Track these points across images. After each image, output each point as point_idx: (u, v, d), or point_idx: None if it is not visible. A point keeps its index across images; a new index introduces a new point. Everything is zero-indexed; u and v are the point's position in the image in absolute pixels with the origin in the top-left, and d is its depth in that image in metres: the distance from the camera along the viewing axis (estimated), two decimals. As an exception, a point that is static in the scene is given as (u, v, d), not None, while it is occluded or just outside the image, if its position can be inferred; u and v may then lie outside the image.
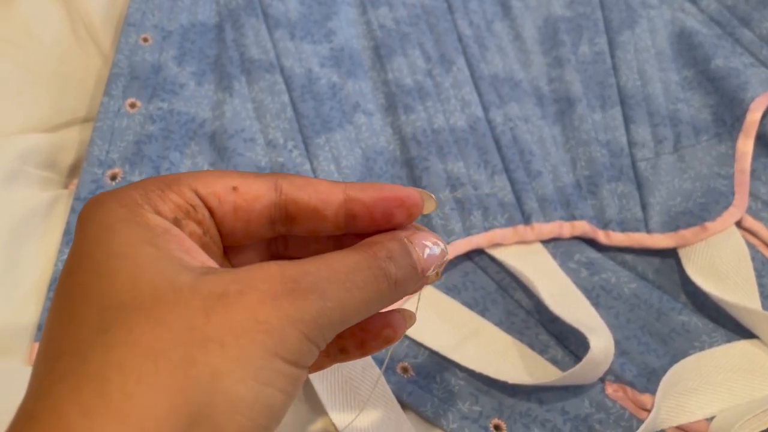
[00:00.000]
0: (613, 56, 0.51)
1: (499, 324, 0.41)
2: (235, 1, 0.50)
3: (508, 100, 0.48)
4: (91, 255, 0.20)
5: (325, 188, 0.24)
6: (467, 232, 0.43)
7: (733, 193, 0.44)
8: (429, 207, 0.25)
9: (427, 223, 0.43)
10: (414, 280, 0.24)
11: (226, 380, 0.18)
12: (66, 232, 0.40)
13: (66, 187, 0.44)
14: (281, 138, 0.45)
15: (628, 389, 0.38)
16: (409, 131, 0.46)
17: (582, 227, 0.44)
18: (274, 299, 0.20)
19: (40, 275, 0.38)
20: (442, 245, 0.25)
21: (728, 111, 0.48)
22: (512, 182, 0.45)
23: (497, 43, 0.51)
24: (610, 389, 0.38)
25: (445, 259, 0.25)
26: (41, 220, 0.40)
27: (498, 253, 0.42)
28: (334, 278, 0.21)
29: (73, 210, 0.40)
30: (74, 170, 0.45)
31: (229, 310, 0.19)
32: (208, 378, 0.18)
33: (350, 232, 0.25)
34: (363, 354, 0.26)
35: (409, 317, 0.27)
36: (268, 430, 0.20)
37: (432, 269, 0.25)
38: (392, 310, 0.26)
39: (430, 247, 0.24)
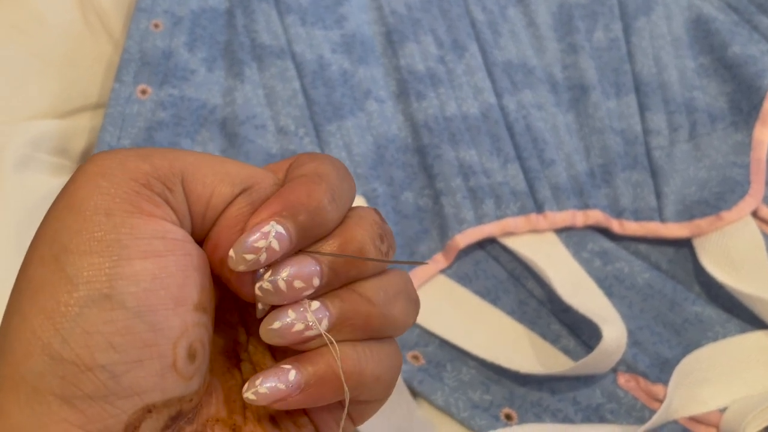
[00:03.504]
0: (628, 43, 0.50)
1: (510, 313, 0.40)
2: (246, -13, 0.50)
3: (522, 87, 0.48)
4: None
5: None
6: (479, 220, 0.42)
7: (749, 182, 0.44)
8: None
9: (439, 211, 0.43)
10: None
11: None
12: (78, 219, 0.40)
13: (77, 173, 0.44)
14: (292, 125, 0.45)
15: (641, 379, 0.38)
16: (421, 118, 0.46)
17: (595, 216, 0.43)
18: None
19: (52, 261, 0.38)
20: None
21: (745, 99, 0.47)
22: (525, 170, 0.45)
23: (511, 29, 0.51)
24: (623, 379, 0.38)
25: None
26: (53, 207, 0.40)
27: (510, 242, 0.42)
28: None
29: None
30: (85, 156, 0.45)
31: None
32: None
33: None
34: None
35: None
36: None
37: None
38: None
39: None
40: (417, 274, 0.41)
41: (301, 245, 0.20)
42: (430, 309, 0.40)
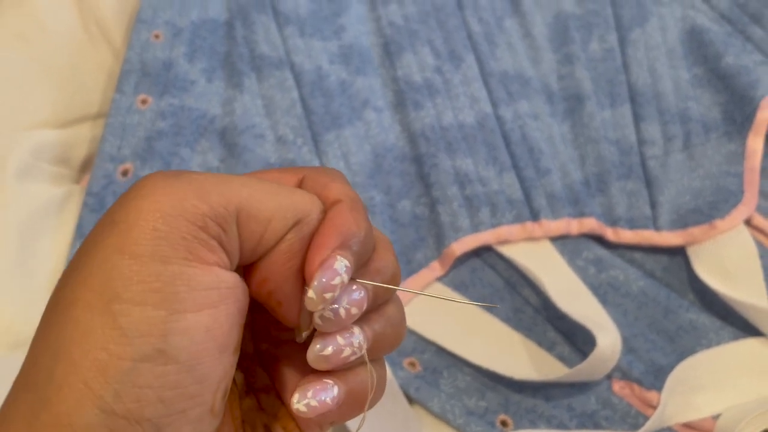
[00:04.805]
0: (623, 54, 0.51)
1: (506, 321, 0.41)
2: (246, -2, 0.50)
3: (518, 97, 0.48)
4: None
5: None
6: (475, 228, 0.43)
7: (742, 191, 0.44)
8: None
9: (435, 219, 0.43)
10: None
11: None
12: (78, 227, 0.40)
13: (78, 182, 0.44)
14: (291, 134, 0.45)
15: (635, 386, 0.38)
16: (418, 128, 0.46)
17: (590, 224, 0.44)
18: None
19: (53, 270, 0.39)
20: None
21: (738, 109, 0.47)
22: (521, 179, 0.45)
23: (507, 40, 0.51)
24: (617, 386, 0.39)
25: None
26: (54, 216, 0.41)
27: (506, 250, 0.42)
28: None
29: (85, 205, 0.41)
30: (86, 166, 0.45)
31: None
32: None
33: None
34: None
35: None
36: None
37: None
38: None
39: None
40: (414, 282, 0.41)
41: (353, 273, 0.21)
42: (426, 316, 0.40)
